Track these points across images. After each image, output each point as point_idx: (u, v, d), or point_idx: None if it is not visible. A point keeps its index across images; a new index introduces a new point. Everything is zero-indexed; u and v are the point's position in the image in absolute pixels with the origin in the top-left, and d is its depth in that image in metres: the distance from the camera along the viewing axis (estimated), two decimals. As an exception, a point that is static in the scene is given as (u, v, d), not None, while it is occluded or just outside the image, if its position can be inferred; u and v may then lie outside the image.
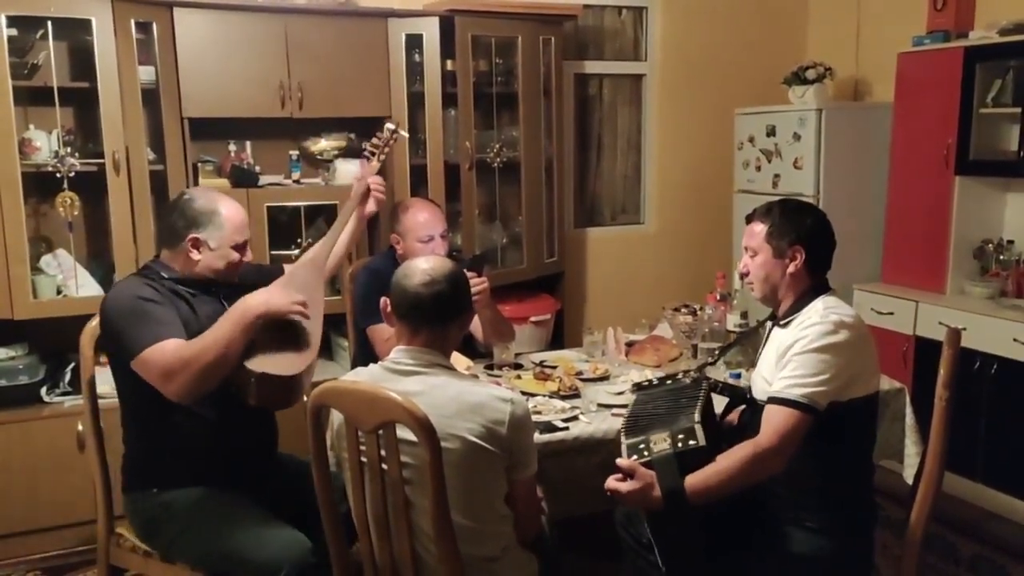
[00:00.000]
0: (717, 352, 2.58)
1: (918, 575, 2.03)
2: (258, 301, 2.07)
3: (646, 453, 1.79)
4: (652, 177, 4.91)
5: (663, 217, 4.94)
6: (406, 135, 2.96)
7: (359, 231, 2.76)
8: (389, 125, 2.71)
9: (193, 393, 2.01)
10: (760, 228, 2.07)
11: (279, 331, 2.12)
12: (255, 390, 2.04)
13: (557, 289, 4.34)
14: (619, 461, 1.79)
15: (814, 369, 1.87)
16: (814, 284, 2.04)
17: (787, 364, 1.91)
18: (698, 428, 1.79)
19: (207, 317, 2.15)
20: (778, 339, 2.03)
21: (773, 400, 1.88)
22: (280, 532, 2.06)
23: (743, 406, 2.18)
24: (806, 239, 2.02)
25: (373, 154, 2.68)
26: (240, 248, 2.24)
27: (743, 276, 2.14)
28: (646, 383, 2.20)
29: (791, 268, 2.03)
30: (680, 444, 1.77)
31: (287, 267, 2.52)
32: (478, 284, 2.57)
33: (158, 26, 3.24)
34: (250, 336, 2.05)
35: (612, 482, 1.79)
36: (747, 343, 2.67)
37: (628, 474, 1.77)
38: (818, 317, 1.94)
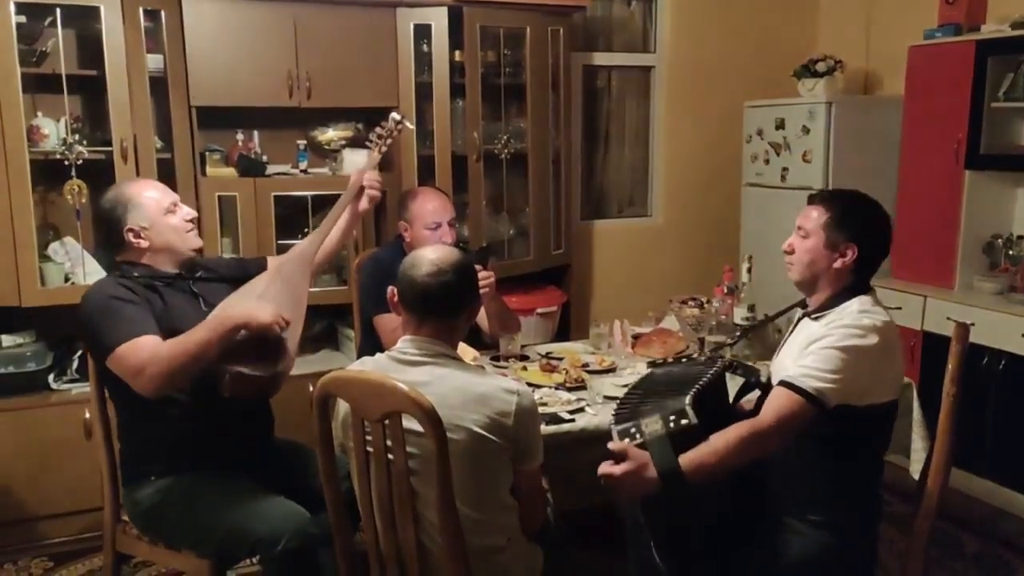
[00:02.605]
0: (739, 334, 2.55)
1: (924, 570, 2.03)
2: (240, 313, 2.07)
3: (638, 436, 1.75)
4: (660, 170, 4.90)
5: (670, 210, 4.92)
6: (412, 126, 2.91)
7: (352, 226, 2.68)
8: (394, 115, 2.67)
9: (162, 390, 2.01)
10: (819, 214, 2.02)
11: (258, 334, 2.11)
12: (228, 385, 2.06)
13: (563, 281, 4.34)
14: (610, 444, 1.75)
15: (832, 365, 1.84)
16: (855, 283, 2.00)
17: (808, 355, 1.89)
18: (688, 409, 1.76)
19: (179, 309, 2.17)
20: (807, 331, 1.99)
21: (783, 383, 1.86)
22: (278, 504, 2.08)
23: (758, 392, 2.16)
24: (863, 241, 1.97)
25: (375, 144, 2.65)
26: (172, 210, 2.23)
27: (787, 253, 2.08)
28: (660, 361, 2.18)
29: (838, 263, 1.98)
30: (672, 424, 1.74)
31: (270, 260, 2.51)
32: (484, 277, 2.57)
33: (166, 14, 3.24)
34: (227, 343, 2.05)
35: (605, 467, 1.74)
36: (760, 333, 2.64)
37: (620, 458, 1.73)
38: (851, 319, 1.91)
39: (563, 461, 2.20)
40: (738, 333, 2.55)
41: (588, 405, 2.39)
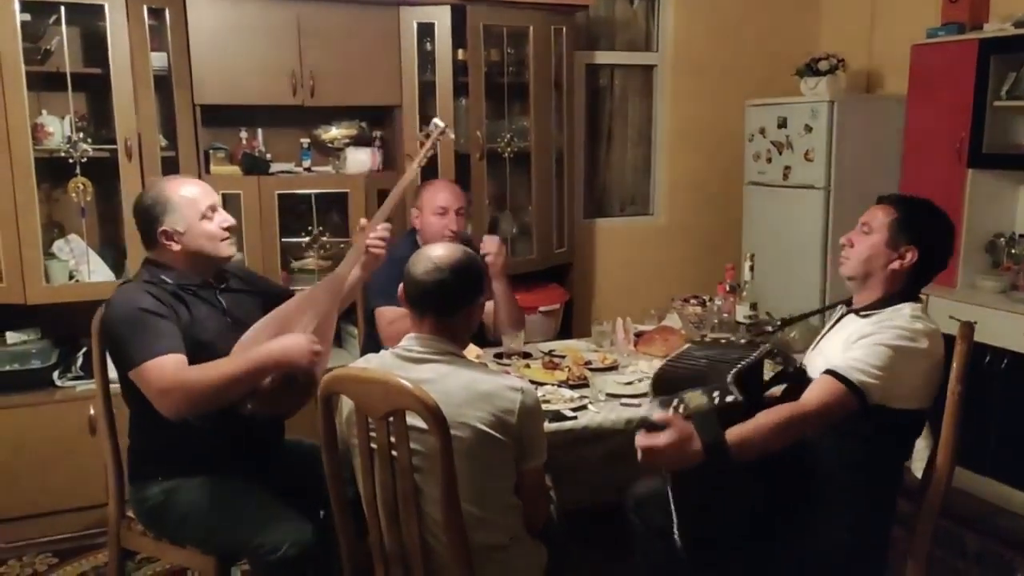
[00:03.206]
0: (780, 323, 2.54)
1: (926, 569, 2.03)
2: (278, 351, 2.06)
3: (682, 408, 1.71)
4: (662, 168, 4.90)
5: (673, 208, 4.93)
6: (452, 136, 2.81)
7: (364, 278, 2.49)
8: (437, 121, 2.52)
9: (183, 415, 1.99)
10: (886, 212, 2.02)
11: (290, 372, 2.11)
12: (250, 409, 2.09)
13: (566, 279, 4.34)
14: (655, 415, 1.69)
15: (878, 361, 1.84)
16: (906, 289, 2.01)
17: (856, 348, 1.88)
18: (733, 386, 1.74)
19: (203, 320, 2.14)
20: (852, 326, 1.99)
21: (829, 372, 1.85)
22: (282, 514, 2.08)
23: (786, 384, 2.14)
24: (925, 245, 1.98)
25: (417, 155, 2.50)
26: (209, 217, 2.17)
27: (844, 246, 2.07)
28: (699, 338, 2.15)
29: (895, 264, 1.99)
30: (718, 399, 1.70)
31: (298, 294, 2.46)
32: (494, 253, 2.79)
33: (170, 12, 3.25)
34: (259, 382, 2.05)
35: (645, 438, 1.66)
36: (774, 336, 2.62)
37: (662, 428, 1.67)
38: (903, 320, 1.91)
39: (566, 459, 2.20)
40: (779, 322, 2.53)
41: (591, 403, 2.39)
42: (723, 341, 2.11)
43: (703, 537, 1.86)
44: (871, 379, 1.83)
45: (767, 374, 2.13)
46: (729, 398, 1.69)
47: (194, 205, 2.15)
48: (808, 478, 1.95)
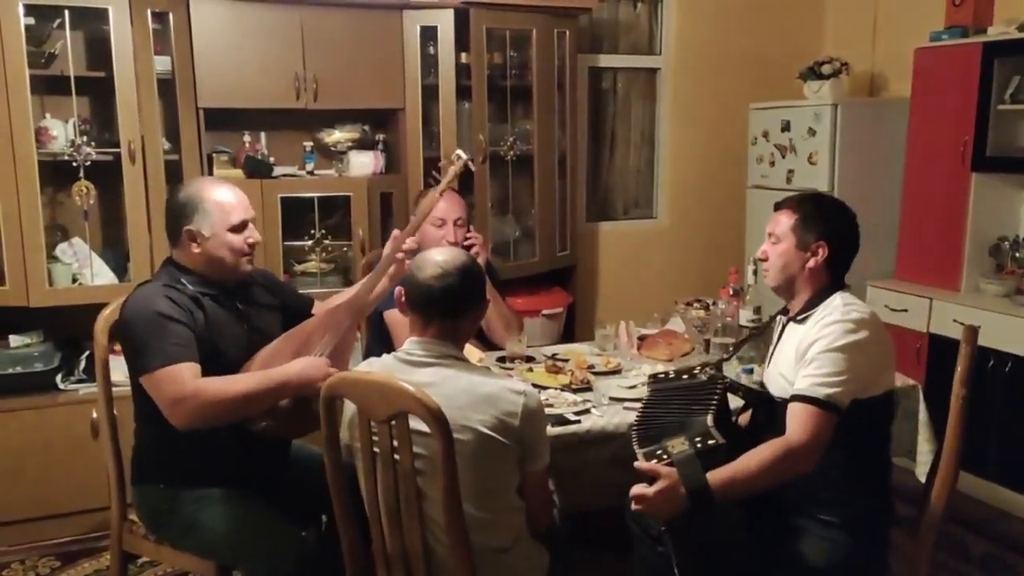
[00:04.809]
0: (732, 348, 2.56)
1: (930, 573, 2.02)
2: (295, 374, 2.06)
3: (665, 456, 1.76)
4: (665, 171, 4.90)
5: (676, 211, 4.92)
6: (474, 169, 2.79)
7: (386, 291, 2.41)
8: (460, 153, 2.50)
9: (194, 426, 1.98)
10: (788, 217, 2.06)
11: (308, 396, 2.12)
12: (262, 431, 2.09)
13: (569, 283, 4.34)
14: (638, 464, 1.76)
15: (837, 368, 1.86)
16: (831, 282, 2.04)
17: (811, 362, 1.90)
18: (713, 430, 1.78)
19: (220, 325, 2.13)
20: (796, 335, 2.01)
21: (798, 398, 1.87)
22: (283, 528, 2.08)
23: (752, 407, 2.16)
24: (832, 237, 2.01)
25: (437, 181, 2.48)
26: (237, 229, 2.14)
27: (761, 261, 2.12)
28: (661, 375, 2.18)
29: (811, 263, 2.02)
30: (700, 444, 1.76)
31: (317, 305, 2.47)
32: (479, 241, 2.88)
33: (174, 16, 3.25)
34: (273, 403, 2.06)
35: (638, 488, 1.74)
36: (760, 339, 2.65)
37: (651, 477, 1.73)
38: (839, 314, 1.93)
39: (569, 462, 2.20)
40: (731, 349, 2.57)
41: (594, 406, 2.39)
42: (684, 377, 2.12)
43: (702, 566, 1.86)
44: (837, 388, 1.85)
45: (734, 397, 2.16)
46: (711, 442, 1.75)
47: (226, 214, 2.13)
48: (796, 483, 1.95)
